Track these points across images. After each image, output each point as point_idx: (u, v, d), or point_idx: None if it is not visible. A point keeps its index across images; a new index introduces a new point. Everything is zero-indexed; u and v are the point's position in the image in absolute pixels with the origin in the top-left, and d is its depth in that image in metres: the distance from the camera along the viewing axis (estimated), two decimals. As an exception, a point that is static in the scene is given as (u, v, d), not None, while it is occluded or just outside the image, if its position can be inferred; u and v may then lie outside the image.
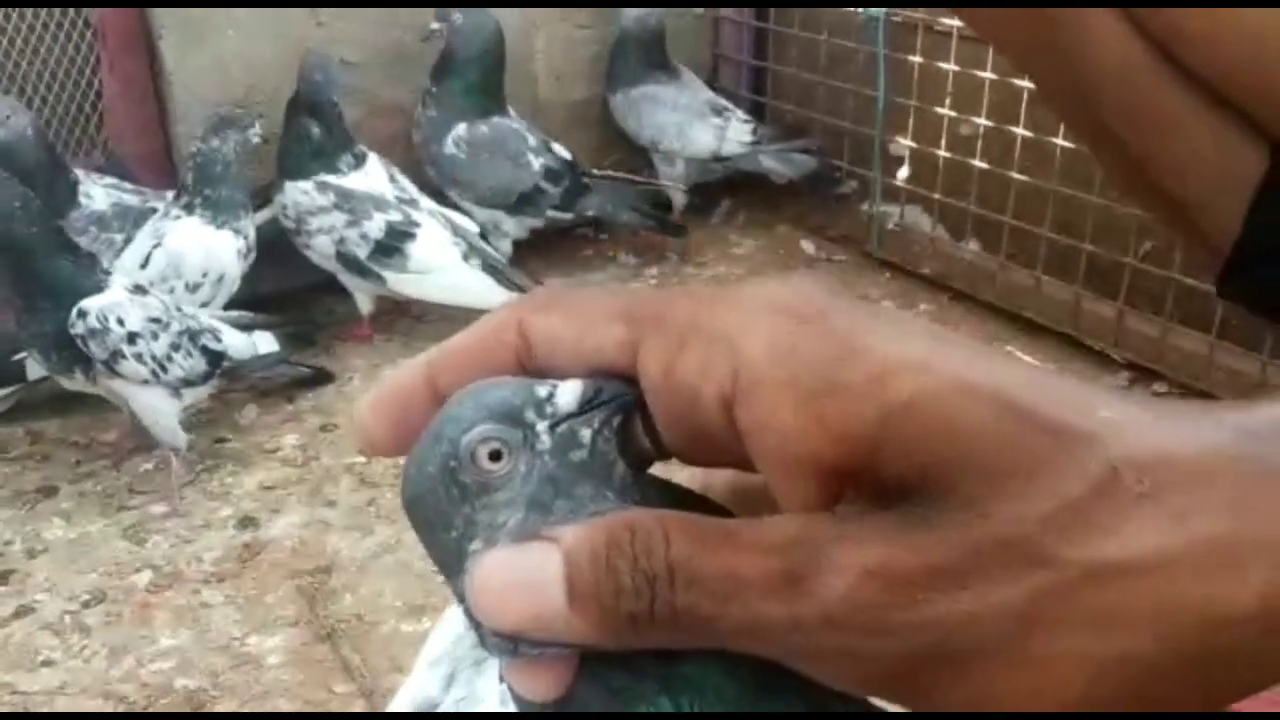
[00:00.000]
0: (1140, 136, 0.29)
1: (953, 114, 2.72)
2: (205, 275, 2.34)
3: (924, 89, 2.77)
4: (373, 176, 2.56)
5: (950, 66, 2.68)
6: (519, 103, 2.88)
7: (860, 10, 2.85)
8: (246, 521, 2.10)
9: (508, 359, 0.32)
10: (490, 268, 2.55)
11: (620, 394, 0.31)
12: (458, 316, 2.63)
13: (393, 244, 2.50)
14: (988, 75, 2.59)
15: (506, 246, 2.80)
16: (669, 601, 0.27)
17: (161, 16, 2.62)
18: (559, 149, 2.84)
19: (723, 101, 3.06)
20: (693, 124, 2.97)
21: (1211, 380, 2.28)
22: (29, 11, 2.61)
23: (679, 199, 3.08)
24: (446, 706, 0.40)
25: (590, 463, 0.30)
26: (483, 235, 2.69)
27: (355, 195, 2.50)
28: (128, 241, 2.39)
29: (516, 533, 0.30)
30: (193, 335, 2.12)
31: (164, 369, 2.07)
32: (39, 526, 2.09)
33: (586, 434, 0.30)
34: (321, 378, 2.47)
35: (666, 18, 3.02)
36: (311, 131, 2.50)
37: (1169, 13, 0.27)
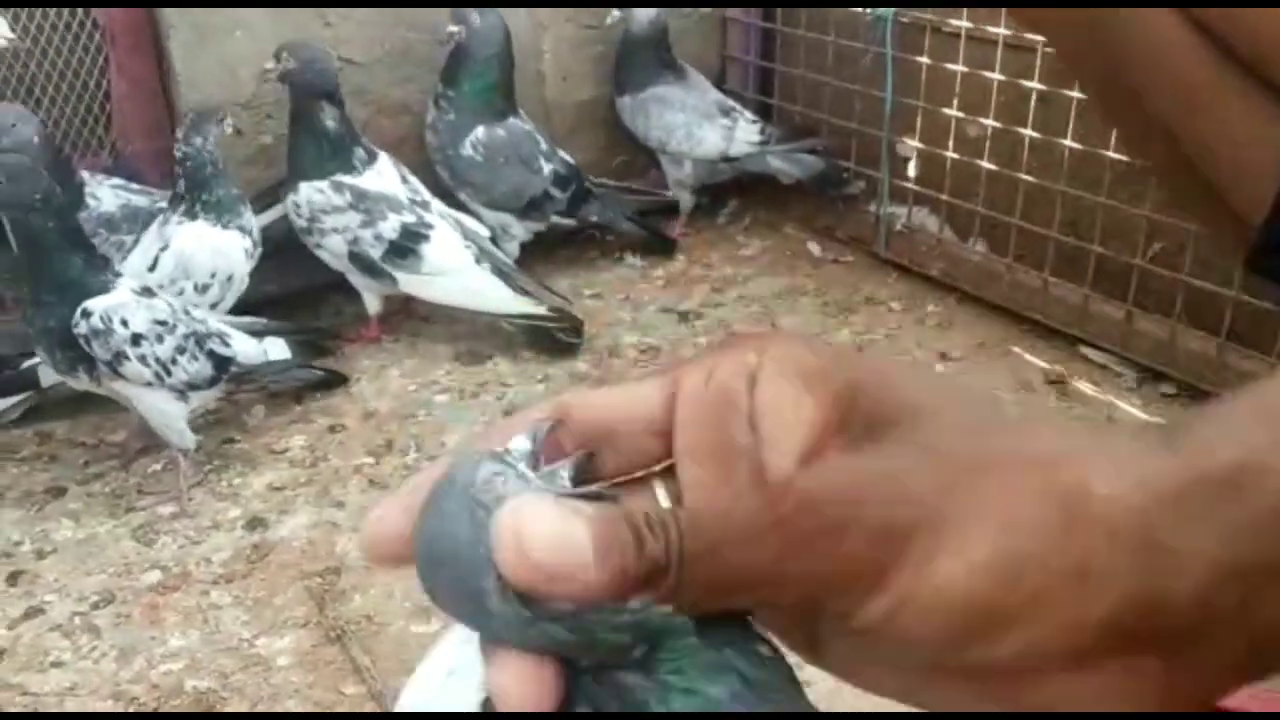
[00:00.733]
0: (1180, 121, 0.30)
1: (961, 115, 2.71)
2: (214, 276, 2.34)
3: (932, 90, 2.77)
4: (385, 176, 2.55)
5: (958, 68, 2.68)
6: (527, 103, 2.88)
7: (868, 11, 2.84)
8: (255, 522, 2.10)
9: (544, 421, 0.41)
10: (501, 272, 2.55)
11: (551, 431, 0.39)
12: (464, 318, 2.63)
13: (407, 245, 2.49)
14: (996, 76, 2.59)
15: (514, 249, 2.80)
16: (678, 569, 0.33)
17: (170, 17, 2.62)
18: (564, 155, 2.84)
19: (730, 102, 3.06)
20: (701, 125, 2.97)
21: (1221, 381, 2.27)
22: (37, 12, 2.61)
23: (686, 201, 3.08)
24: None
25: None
26: (492, 239, 2.69)
27: (370, 195, 2.49)
28: (137, 242, 2.39)
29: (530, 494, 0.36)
30: (199, 339, 2.11)
31: (168, 372, 2.07)
32: (47, 527, 2.09)
33: (565, 474, 0.38)
34: (334, 380, 2.47)
35: (672, 18, 3.02)
36: (327, 124, 2.48)
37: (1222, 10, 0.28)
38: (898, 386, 0.35)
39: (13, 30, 2.40)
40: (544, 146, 2.80)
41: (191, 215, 2.33)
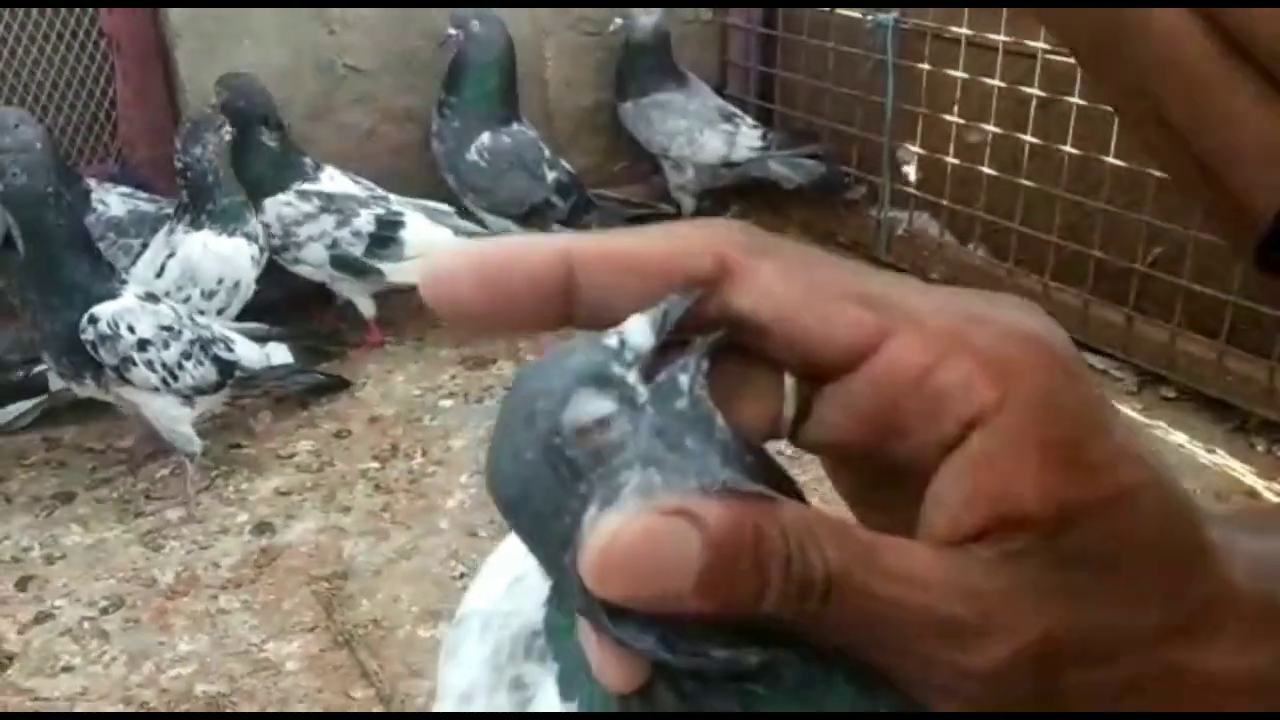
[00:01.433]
0: (1195, 126, 0.29)
1: (961, 121, 2.73)
2: (220, 283, 2.35)
3: (932, 96, 2.78)
4: (339, 180, 2.57)
5: (959, 74, 2.69)
6: (529, 109, 2.89)
7: (868, 17, 2.86)
8: (262, 527, 2.11)
9: (688, 285, 0.29)
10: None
11: (689, 316, 0.28)
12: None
13: (386, 235, 2.51)
14: (996, 83, 2.61)
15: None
16: (814, 613, 0.27)
17: (176, 26, 2.64)
18: (565, 164, 2.86)
19: (732, 108, 3.07)
20: (703, 131, 2.98)
21: (1221, 386, 2.29)
22: (44, 21, 2.63)
23: (688, 206, 3.10)
24: None
25: (690, 411, 0.28)
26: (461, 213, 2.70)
27: (337, 196, 2.51)
28: (145, 247, 2.41)
29: (642, 491, 0.27)
30: (204, 345, 2.13)
31: (174, 377, 2.08)
32: (56, 533, 2.11)
33: (685, 380, 0.28)
34: (338, 385, 2.48)
35: (673, 25, 3.03)
36: (268, 145, 2.50)
37: (1238, 13, 0.27)
38: (1152, 513, 0.28)
39: None
40: (547, 154, 2.82)
41: (197, 224, 2.35)
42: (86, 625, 1.90)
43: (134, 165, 2.69)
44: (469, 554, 1.99)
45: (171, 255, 2.34)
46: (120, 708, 1.74)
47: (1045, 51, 2.45)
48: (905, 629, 0.28)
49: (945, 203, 2.82)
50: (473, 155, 2.77)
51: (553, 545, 0.28)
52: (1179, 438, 2.26)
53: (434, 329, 2.70)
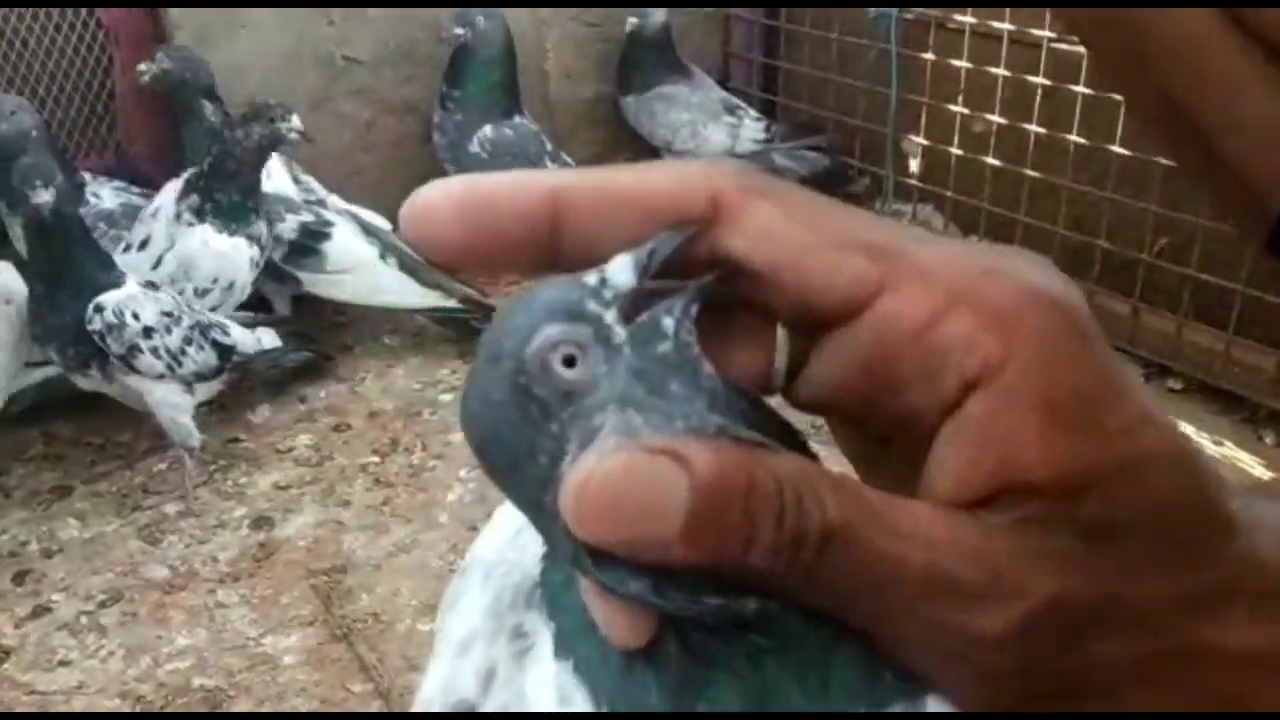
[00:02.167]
0: (1202, 102, 0.28)
1: (965, 111, 2.71)
2: (215, 281, 2.33)
3: (936, 86, 2.76)
4: (276, 177, 2.50)
5: (963, 64, 2.68)
6: (530, 102, 2.88)
7: (872, 8, 2.84)
8: (261, 521, 2.09)
9: (679, 224, 0.27)
10: (407, 266, 2.47)
11: (679, 256, 0.27)
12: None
13: (308, 244, 2.45)
14: (1001, 72, 2.59)
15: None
16: (809, 565, 0.26)
17: (174, 17, 2.62)
18: (566, 157, 2.84)
19: (735, 100, 3.06)
20: (706, 123, 2.97)
21: (1229, 377, 2.27)
22: (41, 12, 2.61)
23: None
24: (488, 713, 0.36)
25: (675, 356, 0.27)
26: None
27: (266, 198, 2.40)
28: (146, 242, 2.39)
29: (622, 430, 0.26)
30: (203, 329, 2.13)
31: (178, 363, 2.08)
32: (54, 527, 2.09)
33: (669, 323, 0.27)
34: (323, 360, 2.48)
35: (675, 16, 3.02)
36: (210, 119, 2.45)
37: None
38: (1168, 481, 0.27)
39: None
40: (549, 147, 2.81)
41: (200, 215, 2.32)
42: (84, 619, 1.88)
43: (131, 158, 2.67)
44: (468, 548, 1.97)
45: (170, 248, 2.32)
46: (117, 702, 1.72)
47: (1050, 40, 2.43)
48: (909, 589, 0.26)
49: (949, 194, 2.80)
50: (474, 147, 2.76)
51: (531, 489, 0.27)
52: (1186, 430, 2.23)
53: (432, 324, 2.68)
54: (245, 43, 2.70)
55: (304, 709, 1.71)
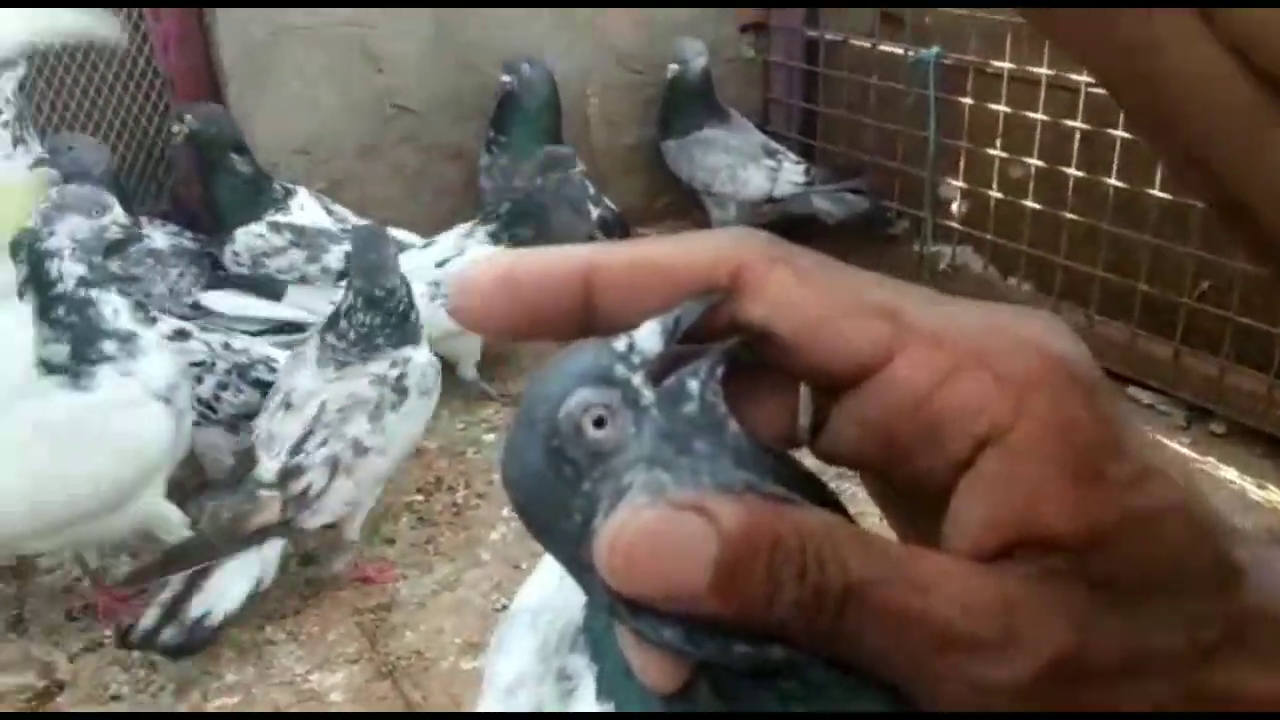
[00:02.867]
0: (1219, 151, 0.28)
1: (1004, 155, 2.73)
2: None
3: (975, 130, 2.79)
4: (310, 210, 2.56)
5: (1001, 108, 2.70)
6: (573, 147, 2.92)
7: (910, 53, 2.87)
8: (307, 559, 2.13)
9: (704, 293, 0.29)
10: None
11: (708, 324, 0.28)
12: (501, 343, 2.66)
13: None
14: (1039, 117, 2.61)
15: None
16: (831, 619, 0.27)
17: (228, 66, 2.70)
18: (609, 202, 2.88)
19: (774, 144, 3.09)
20: (746, 166, 3.00)
21: (1272, 420, 2.26)
22: (100, 61, 2.70)
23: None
24: None
25: (701, 416, 0.28)
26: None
27: (308, 230, 2.51)
28: (181, 276, 2.45)
29: (650, 488, 0.27)
30: (241, 371, 2.13)
31: (213, 409, 2.10)
32: (108, 563, 2.13)
33: (694, 385, 0.28)
34: None
35: (715, 63, 3.06)
36: (241, 170, 2.51)
37: (1244, 16, 0.26)
38: (1179, 534, 0.28)
39: None
40: (592, 192, 2.85)
41: (497, 243, 2.38)
42: (135, 654, 1.91)
43: (185, 203, 2.74)
44: (511, 586, 1.99)
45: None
46: (167, 736, 1.75)
47: (1088, 85, 2.45)
48: (929, 642, 0.27)
49: (989, 237, 2.81)
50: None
51: (567, 543, 0.28)
52: (1229, 473, 2.22)
53: (476, 363, 2.71)
54: (296, 91, 2.77)
55: (349, 745, 1.74)
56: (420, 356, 2.00)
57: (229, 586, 1.81)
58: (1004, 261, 2.84)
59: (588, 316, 0.30)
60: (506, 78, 2.76)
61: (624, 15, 3.09)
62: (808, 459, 0.31)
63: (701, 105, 3.04)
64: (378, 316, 1.96)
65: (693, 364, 0.28)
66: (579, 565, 0.28)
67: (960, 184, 2.88)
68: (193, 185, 2.72)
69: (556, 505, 0.28)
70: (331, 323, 1.98)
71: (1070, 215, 2.58)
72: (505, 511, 2.20)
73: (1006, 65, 2.66)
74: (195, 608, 1.77)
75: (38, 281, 1.79)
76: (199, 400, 2.08)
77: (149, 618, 1.75)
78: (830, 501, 0.30)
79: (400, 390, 1.94)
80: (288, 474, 1.84)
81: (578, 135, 3.03)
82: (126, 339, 1.81)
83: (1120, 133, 2.40)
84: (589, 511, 0.28)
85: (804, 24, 3.23)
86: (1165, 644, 0.28)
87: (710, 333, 0.29)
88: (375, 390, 1.92)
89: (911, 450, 0.29)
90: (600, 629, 0.33)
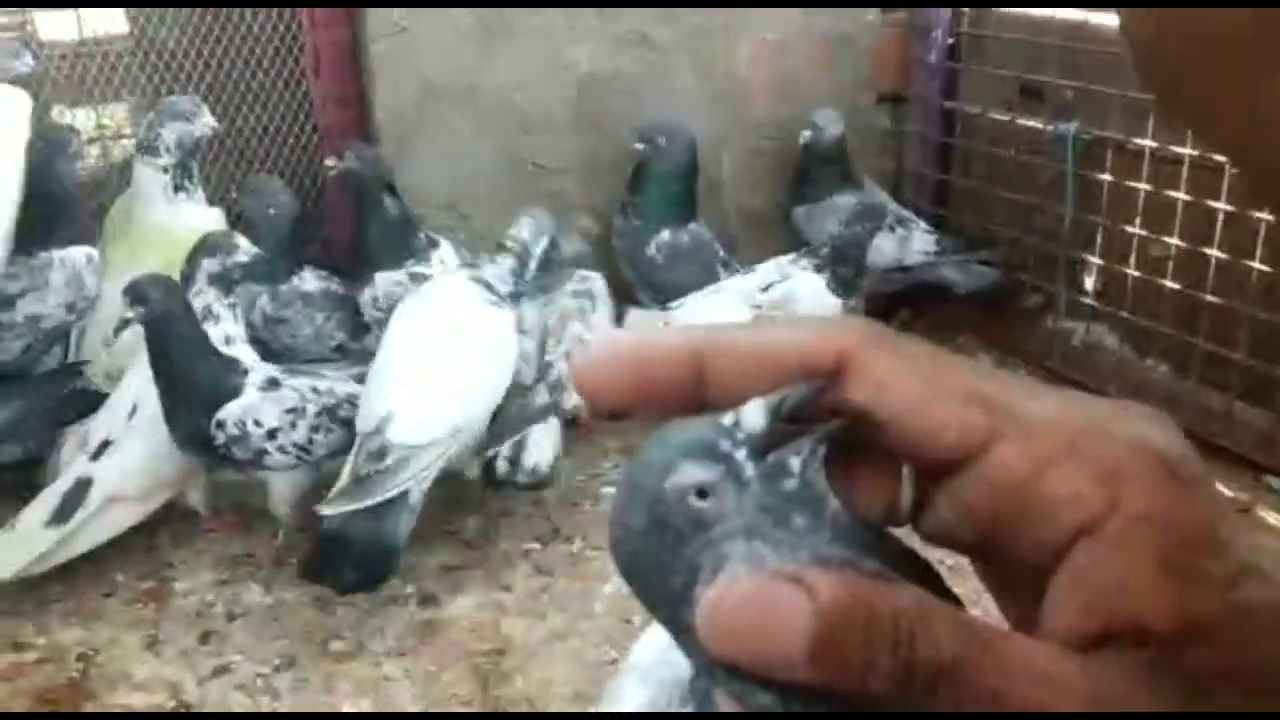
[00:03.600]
0: None
1: (1143, 233, 2.68)
2: None
3: (1114, 207, 2.75)
4: (450, 264, 2.63)
5: (1142, 186, 2.66)
6: (706, 210, 2.97)
7: (1049, 127, 2.85)
8: (427, 600, 2.19)
9: (809, 377, 0.30)
10: None
11: (812, 406, 0.30)
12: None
13: None
14: (1181, 196, 2.56)
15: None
16: (922, 694, 0.28)
17: (381, 122, 2.83)
18: (737, 265, 2.91)
19: (906, 212, 3.09)
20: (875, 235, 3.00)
21: None
22: (265, 115, 2.86)
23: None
24: None
25: (801, 492, 0.30)
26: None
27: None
28: (327, 319, 2.58)
29: (749, 559, 0.29)
30: (330, 412, 2.20)
31: (308, 452, 2.18)
32: (239, 591, 2.23)
33: (795, 463, 0.30)
34: None
35: (852, 131, 3.08)
36: (391, 213, 2.59)
37: None
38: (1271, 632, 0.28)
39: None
40: (721, 254, 2.89)
41: (819, 272, 2.62)
42: (259, 681, 1.99)
43: (334, 252, 2.86)
44: (623, 640, 2.01)
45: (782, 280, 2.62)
46: (284, 763, 1.82)
47: (1232, 166, 2.39)
48: None
49: (1125, 315, 2.76)
50: (651, 251, 2.86)
51: (669, 606, 0.30)
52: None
53: (597, 418, 2.76)
54: (444, 147, 2.88)
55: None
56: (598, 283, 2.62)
57: (540, 445, 2.31)
58: (1140, 341, 2.78)
59: (699, 394, 0.32)
60: (639, 145, 2.82)
61: (765, 84, 3.14)
62: (919, 543, 0.32)
63: (834, 173, 3.06)
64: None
65: (795, 443, 0.30)
66: (679, 628, 0.30)
67: (1097, 260, 2.83)
68: (343, 233, 2.85)
69: (659, 570, 0.30)
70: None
71: (1211, 297, 2.51)
72: (620, 565, 2.23)
73: (1149, 143, 2.62)
74: (526, 461, 2.29)
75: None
76: (294, 445, 2.16)
77: (501, 469, 2.27)
78: (930, 579, 0.31)
79: (590, 297, 2.55)
80: (542, 371, 2.36)
81: (711, 198, 3.07)
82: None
83: (1266, 215, 2.34)
84: (690, 578, 0.29)
85: (941, 96, 3.24)
86: None
87: (815, 414, 0.30)
88: (576, 301, 2.53)
89: (1009, 536, 0.30)
90: (703, 690, 0.35)
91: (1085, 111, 2.79)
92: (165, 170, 2.52)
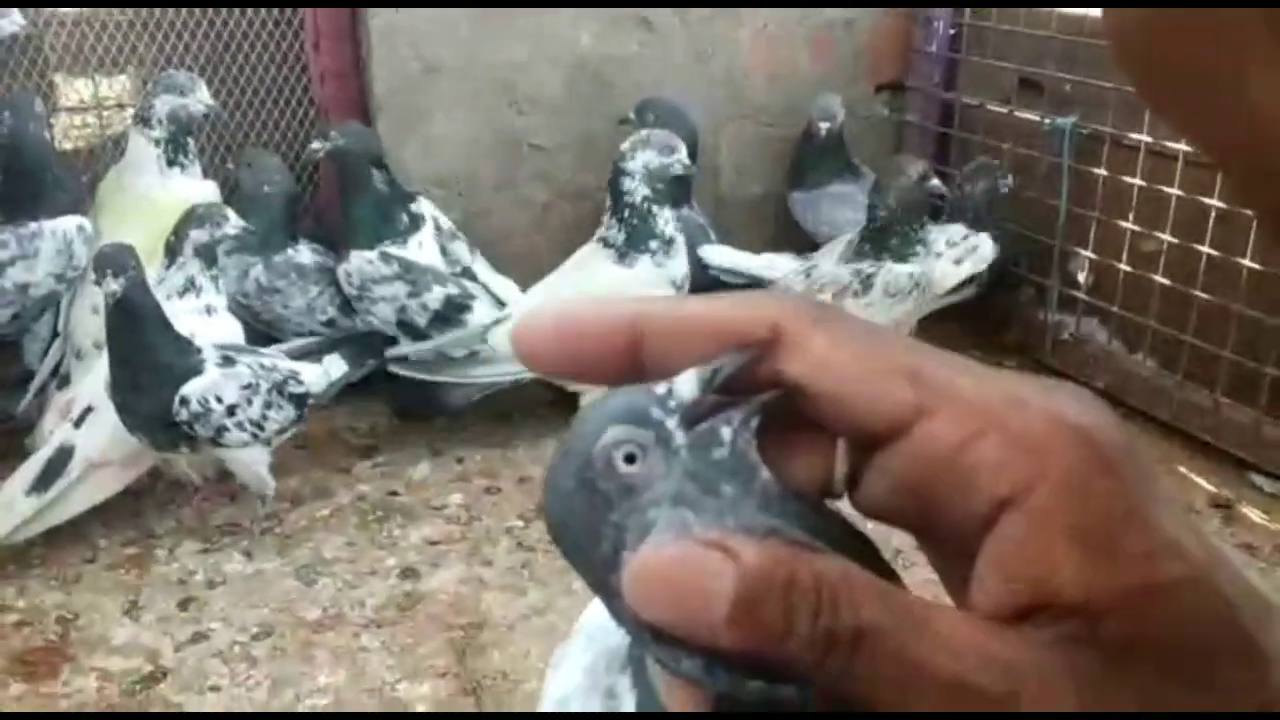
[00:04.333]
0: None
1: (1136, 228, 2.68)
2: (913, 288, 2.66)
3: (1108, 202, 2.74)
4: (426, 247, 2.65)
5: (1136, 181, 2.65)
6: (701, 194, 2.97)
7: (1046, 121, 2.85)
8: (408, 573, 2.19)
9: (743, 348, 0.31)
10: None
11: (746, 378, 0.30)
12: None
13: (451, 315, 2.58)
14: (1174, 192, 2.56)
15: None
16: (842, 661, 0.28)
17: (379, 97, 2.83)
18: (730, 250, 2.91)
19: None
20: (870, 223, 3.00)
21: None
22: (261, 87, 2.86)
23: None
24: None
25: (731, 462, 0.30)
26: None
27: (416, 267, 2.60)
28: (320, 294, 2.61)
29: (674, 526, 0.29)
30: (279, 388, 2.22)
31: (261, 428, 2.19)
32: (220, 560, 2.24)
33: (726, 432, 0.30)
34: (382, 369, 2.56)
35: (851, 121, 3.08)
36: (379, 188, 2.60)
37: None
38: (1196, 610, 0.28)
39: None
40: (713, 238, 2.88)
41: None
42: (237, 649, 2.00)
43: (329, 226, 2.86)
44: (600, 617, 2.02)
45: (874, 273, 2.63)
46: (258, 730, 1.82)
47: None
48: (935, 693, 0.28)
49: (1115, 309, 2.76)
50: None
51: (598, 570, 0.31)
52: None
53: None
54: (440, 126, 2.88)
55: (428, 756, 1.78)
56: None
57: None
58: (1130, 336, 2.78)
59: (636, 364, 0.32)
60: (631, 116, 2.82)
61: (761, 69, 3.13)
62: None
63: (833, 161, 3.06)
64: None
65: (727, 413, 0.30)
66: (608, 593, 0.30)
67: (1090, 255, 2.83)
68: (334, 208, 2.84)
69: (588, 533, 0.30)
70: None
71: (1201, 294, 2.51)
72: (601, 544, 2.23)
73: (1144, 138, 2.62)
74: None
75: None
76: (250, 421, 2.16)
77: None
78: (869, 554, 0.31)
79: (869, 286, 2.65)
80: None
81: (707, 183, 3.07)
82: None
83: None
84: (618, 542, 0.30)
85: (940, 87, 3.23)
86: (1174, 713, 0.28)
87: (750, 387, 0.31)
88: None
89: (939, 509, 0.30)
90: (639, 656, 0.35)
91: (1083, 106, 2.78)
92: (157, 143, 2.52)
